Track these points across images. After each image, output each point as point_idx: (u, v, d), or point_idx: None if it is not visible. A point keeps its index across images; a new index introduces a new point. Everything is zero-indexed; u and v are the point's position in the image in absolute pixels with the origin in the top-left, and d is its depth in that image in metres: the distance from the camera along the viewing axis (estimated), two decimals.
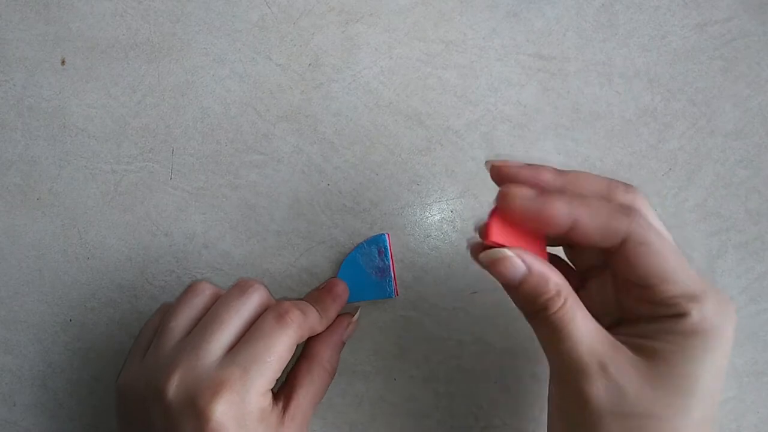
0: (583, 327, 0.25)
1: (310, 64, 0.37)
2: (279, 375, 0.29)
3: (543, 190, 0.25)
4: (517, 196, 0.25)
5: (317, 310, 0.32)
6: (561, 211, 0.25)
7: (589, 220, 0.25)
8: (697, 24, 0.37)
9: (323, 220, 0.36)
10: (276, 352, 0.28)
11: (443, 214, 0.37)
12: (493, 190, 0.36)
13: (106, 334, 0.36)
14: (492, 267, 0.26)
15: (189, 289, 0.31)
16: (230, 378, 0.27)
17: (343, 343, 0.34)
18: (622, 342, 0.26)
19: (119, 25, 0.37)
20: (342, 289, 0.34)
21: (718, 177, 0.36)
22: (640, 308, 0.26)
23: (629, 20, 0.37)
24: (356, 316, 0.34)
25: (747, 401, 0.35)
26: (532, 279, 0.25)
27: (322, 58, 0.37)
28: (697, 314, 0.25)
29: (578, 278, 0.30)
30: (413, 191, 0.37)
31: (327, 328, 0.33)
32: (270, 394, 0.29)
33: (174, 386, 0.27)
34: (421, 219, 0.37)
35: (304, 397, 0.31)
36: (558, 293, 0.25)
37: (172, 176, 0.37)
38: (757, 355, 0.36)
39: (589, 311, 0.27)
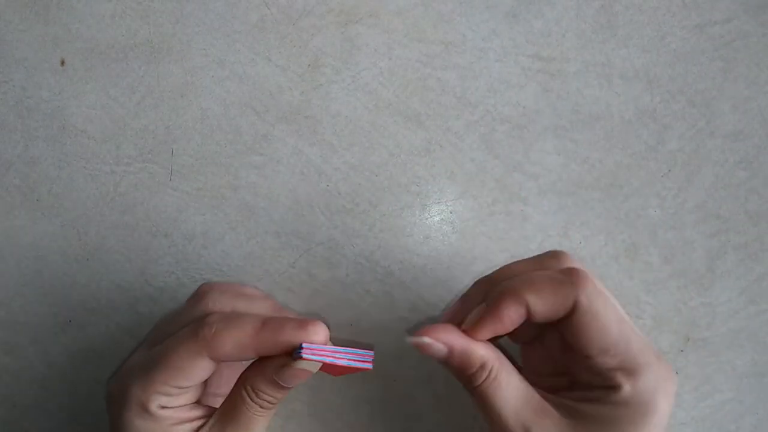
0: (509, 395, 0.27)
1: (309, 65, 0.37)
2: (175, 382, 0.27)
3: (494, 295, 0.27)
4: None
5: (256, 327, 0.27)
6: (511, 311, 0.27)
7: (540, 303, 0.26)
8: (697, 25, 0.37)
9: (322, 221, 0.36)
10: (166, 355, 0.27)
11: (443, 215, 0.37)
12: (490, 191, 0.36)
13: (106, 335, 0.36)
14: (421, 351, 0.28)
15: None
16: (126, 372, 0.29)
17: (276, 383, 0.27)
18: (560, 404, 0.27)
19: (119, 26, 0.37)
20: (314, 330, 0.27)
21: (717, 178, 0.36)
22: (582, 373, 0.28)
23: (629, 21, 0.37)
24: (298, 365, 0.27)
25: (746, 402, 0.35)
26: (454, 357, 0.27)
27: (322, 59, 0.37)
28: (629, 388, 0.26)
29: (537, 328, 0.30)
30: (412, 192, 0.37)
31: (268, 359, 0.28)
32: (161, 399, 0.27)
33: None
34: (421, 220, 0.37)
35: (221, 415, 0.28)
36: (482, 366, 0.27)
37: (172, 177, 0.37)
38: (756, 357, 0.36)
39: (535, 367, 0.29)
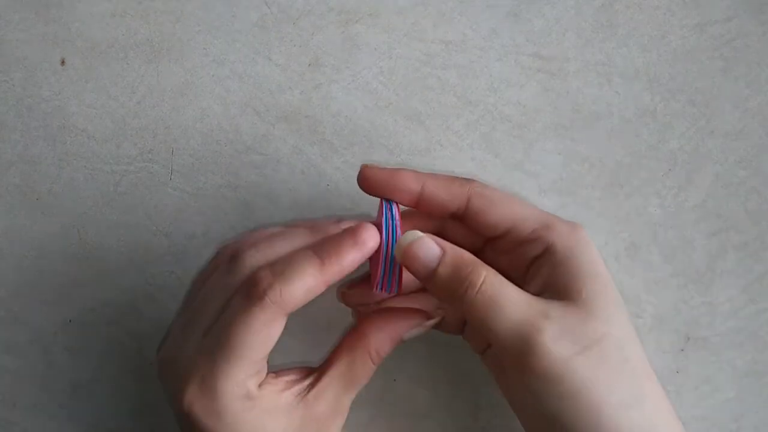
0: (511, 288, 0.26)
1: (309, 65, 0.37)
2: (261, 355, 0.26)
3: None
4: (372, 167, 0.30)
5: (316, 263, 0.26)
6: (409, 178, 0.29)
7: (434, 185, 0.29)
8: (697, 24, 0.37)
9: None
10: (243, 335, 0.25)
11: None
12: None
13: (106, 334, 0.36)
14: (408, 253, 0.27)
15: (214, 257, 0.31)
16: (197, 368, 0.26)
17: (402, 341, 0.29)
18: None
19: (119, 26, 0.37)
20: (369, 236, 0.27)
21: (717, 177, 0.36)
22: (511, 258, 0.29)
23: (629, 20, 0.37)
24: (431, 322, 0.29)
25: (746, 402, 0.35)
26: (448, 258, 0.27)
27: (322, 59, 0.37)
28: (558, 239, 0.28)
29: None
30: None
31: (392, 317, 0.29)
32: (255, 378, 0.27)
33: (159, 370, 0.29)
34: None
35: (338, 378, 0.28)
36: (476, 266, 0.26)
37: (172, 177, 0.37)
38: (756, 356, 0.36)
39: None
